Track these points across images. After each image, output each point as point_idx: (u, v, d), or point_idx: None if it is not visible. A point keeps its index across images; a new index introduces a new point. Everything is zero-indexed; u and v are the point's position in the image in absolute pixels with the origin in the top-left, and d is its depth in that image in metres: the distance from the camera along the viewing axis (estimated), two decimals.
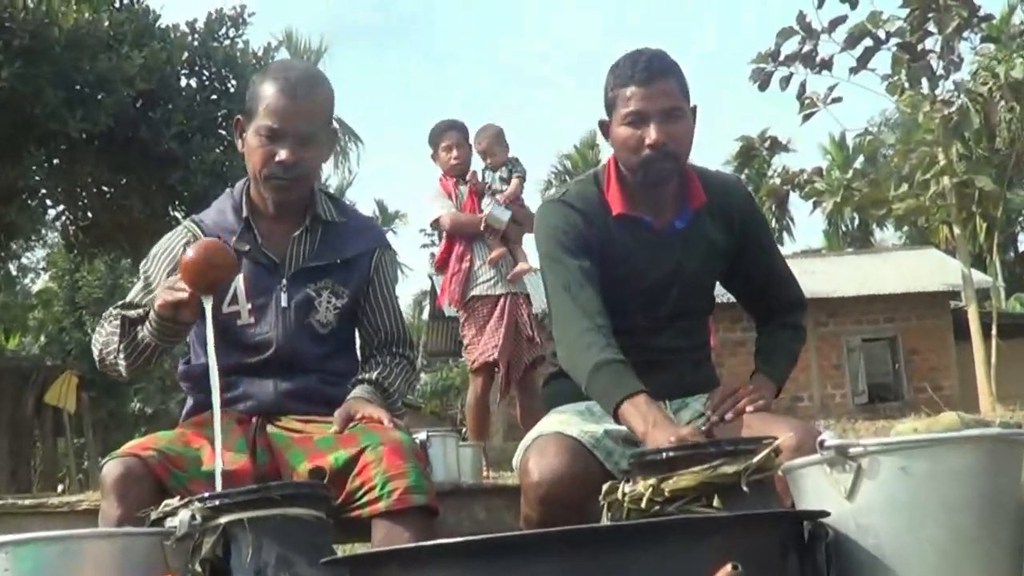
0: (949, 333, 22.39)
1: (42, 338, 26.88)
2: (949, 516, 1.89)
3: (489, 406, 6.56)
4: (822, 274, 22.73)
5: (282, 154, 2.79)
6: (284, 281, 2.91)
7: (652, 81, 2.72)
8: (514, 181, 6.44)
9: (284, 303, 2.89)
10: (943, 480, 1.90)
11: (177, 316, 2.64)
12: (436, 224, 6.57)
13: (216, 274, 2.59)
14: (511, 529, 3.24)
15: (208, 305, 2.62)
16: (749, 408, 2.71)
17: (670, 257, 2.86)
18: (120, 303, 2.98)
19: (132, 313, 2.85)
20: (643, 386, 2.56)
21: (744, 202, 2.99)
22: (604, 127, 2.85)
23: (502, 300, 6.27)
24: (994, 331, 15.82)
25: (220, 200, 3.03)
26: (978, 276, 19.91)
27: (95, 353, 2.96)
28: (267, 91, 2.81)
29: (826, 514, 1.92)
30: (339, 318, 2.95)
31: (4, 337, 27.06)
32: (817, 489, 2.00)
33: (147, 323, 2.74)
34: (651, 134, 2.71)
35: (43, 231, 14.42)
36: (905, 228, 30.23)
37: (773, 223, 35.99)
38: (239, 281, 2.87)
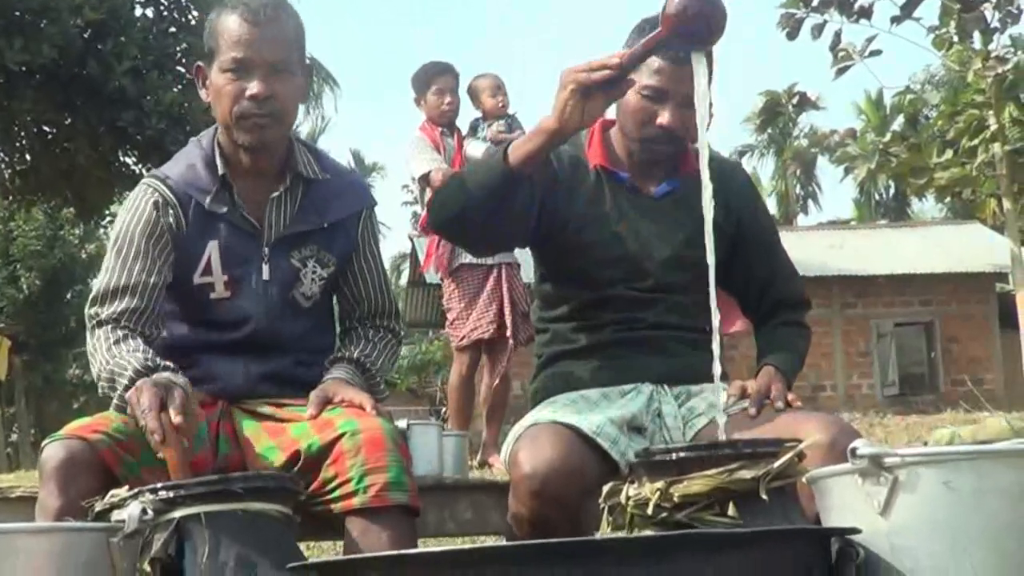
0: (993, 320, 22.46)
1: None
2: (997, 540, 1.86)
3: (474, 387, 6.57)
4: (851, 249, 22.76)
5: (253, 87, 2.75)
6: (266, 250, 2.87)
7: (685, 62, 2.69)
8: (516, 135, 6.44)
9: (266, 275, 2.87)
10: (990, 499, 1.87)
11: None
12: (424, 180, 6.50)
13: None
14: (499, 530, 3.26)
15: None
16: (779, 404, 2.72)
17: (652, 221, 2.91)
18: (106, 287, 2.83)
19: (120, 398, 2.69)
20: None
21: (745, 187, 3.06)
22: None
23: (495, 271, 6.26)
24: None
25: (185, 152, 2.95)
26: None
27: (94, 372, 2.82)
28: (227, 23, 2.78)
29: (857, 531, 1.91)
30: (323, 289, 2.94)
31: None
32: (847, 502, 1.99)
33: (119, 394, 2.66)
34: (666, 116, 2.78)
35: None
36: (947, 200, 30.22)
37: (797, 189, 36.07)
38: (213, 248, 2.83)
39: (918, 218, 34.41)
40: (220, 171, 2.85)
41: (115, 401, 2.69)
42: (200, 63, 2.88)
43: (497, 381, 6.46)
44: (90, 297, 2.87)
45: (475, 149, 6.39)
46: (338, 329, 3.11)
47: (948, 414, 10.29)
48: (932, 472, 1.90)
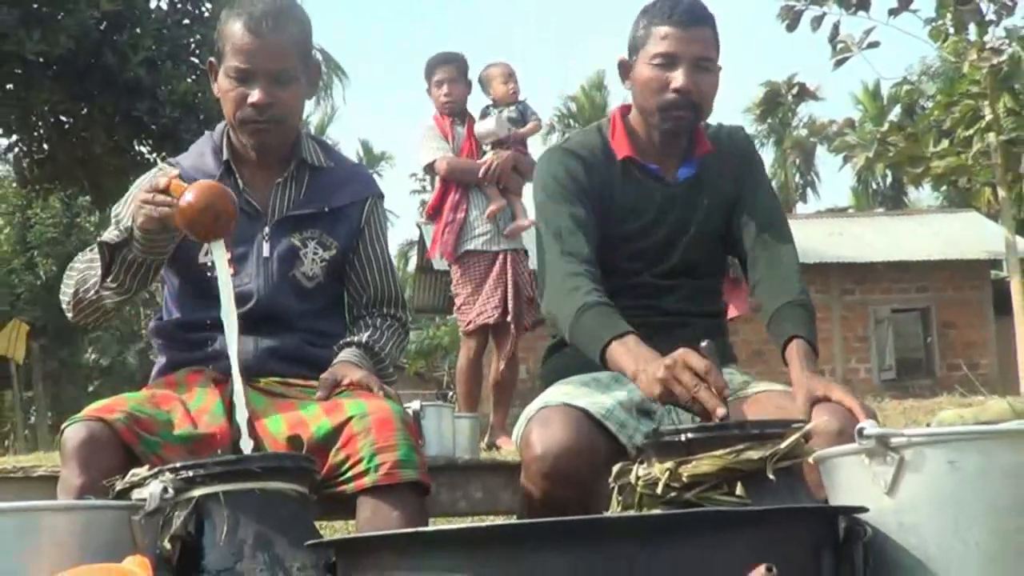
0: (988, 306, 22.46)
1: None
2: (999, 518, 1.86)
3: (482, 371, 6.57)
4: (849, 236, 22.77)
5: (254, 95, 2.80)
6: (267, 229, 2.91)
7: (691, 25, 2.79)
8: (532, 122, 6.43)
9: (266, 253, 2.90)
10: (994, 478, 1.87)
11: (165, 228, 2.56)
12: (430, 168, 6.52)
13: (217, 226, 2.49)
14: (509, 509, 3.26)
15: (220, 253, 2.55)
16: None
17: (677, 207, 2.91)
18: (88, 249, 2.92)
19: (111, 236, 2.76)
20: (631, 328, 2.56)
21: (744, 143, 3.04)
22: (625, 67, 2.91)
23: (501, 257, 6.25)
24: None
25: (199, 143, 3.03)
26: (1023, 244, 19.89)
27: (67, 300, 2.87)
28: (232, 29, 2.81)
29: (864, 510, 1.91)
30: (326, 272, 2.95)
31: None
32: (854, 482, 1.99)
33: (133, 243, 2.66)
34: (679, 78, 2.77)
35: None
36: (943, 189, 30.22)
37: (797, 178, 36.04)
38: None
39: (915, 206, 34.35)
40: (224, 157, 2.91)
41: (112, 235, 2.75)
42: (212, 59, 2.91)
43: (503, 365, 6.45)
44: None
45: (483, 125, 6.41)
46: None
47: (944, 398, 10.28)
48: (937, 452, 1.90)
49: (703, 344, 2.37)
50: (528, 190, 5.65)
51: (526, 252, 6.33)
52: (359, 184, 3.05)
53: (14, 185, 17.85)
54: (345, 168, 3.07)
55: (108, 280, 2.75)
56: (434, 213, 6.52)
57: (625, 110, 2.97)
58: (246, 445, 2.46)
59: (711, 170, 2.93)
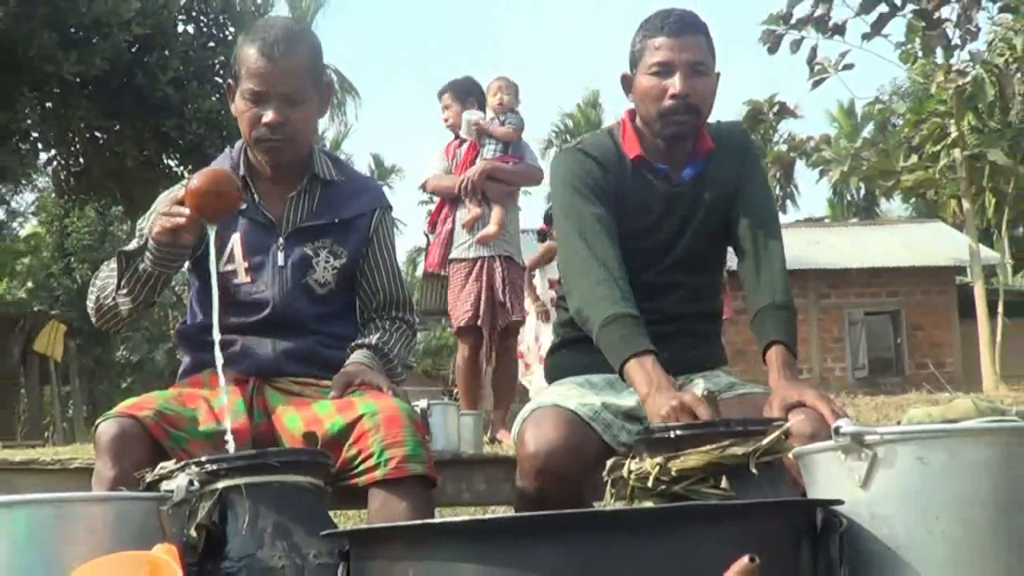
0: (954, 309, 22.45)
1: (29, 284, 26.85)
2: (963, 509, 1.87)
3: (479, 369, 6.56)
4: (826, 244, 22.76)
5: (267, 116, 2.79)
6: (281, 240, 2.91)
7: (682, 33, 2.77)
8: (502, 128, 6.41)
9: (281, 262, 2.89)
10: (959, 473, 1.88)
11: (177, 240, 2.63)
12: (423, 187, 6.68)
13: (221, 203, 2.57)
14: (510, 500, 3.26)
15: (212, 233, 2.62)
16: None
17: (682, 204, 2.87)
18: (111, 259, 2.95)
19: (129, 246, 2.82)
20: (653, 346, 2.54)
21: (742, 138, 3.01)
22: (627, 80, 2.89)
23: (478, 263, 6.29)
24: (1000, 309, 15.86)
25: (219, 159, 3.02)
26: (986, 252, 19.92)
27: (91, 306, 2.92)
28: (247, 53, 2.81)
29: (840, 502, 1.91)
30: (337, 279, 2.94)
31: None
32: (830, 477, 1.99)
33: (146, 253, 2.72)
34: (676, 84, 2.75)
35: (33, 176, 14.33)
36: (913, 200, 30.14)
37: (777, 191, 36.00)
38: (235, 240, 2.88)
39: (886, 217, 34.29)
40: (241, 173, 2.90)
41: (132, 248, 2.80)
42: (230, 80, 2.91)
43: (494, 364, 6.47)
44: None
45: (468, 115, 6.44)
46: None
47: (913, 395, 10.26)
48: (907, 449, 1.90)
49: (706, 393, 2.37)
50: (539, 190, 5.62)
51: (508, 257, 6.33)
52: (368, 196, 3.04)
53: (53, 196, 17.84)
54: (355, 181, 3.06)
55: (121, 287, 2.78)
56: (432, 226, 6.59)
57: (633, 114, 2.93)
58: (231, 447, 2.48)
59: (713, 166, 2.89)
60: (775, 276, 2.78)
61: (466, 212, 6.30)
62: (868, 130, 29.52)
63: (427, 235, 6.71)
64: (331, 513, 2.44)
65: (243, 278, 2.88)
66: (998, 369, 15.00)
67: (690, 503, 2.01)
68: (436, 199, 6.69)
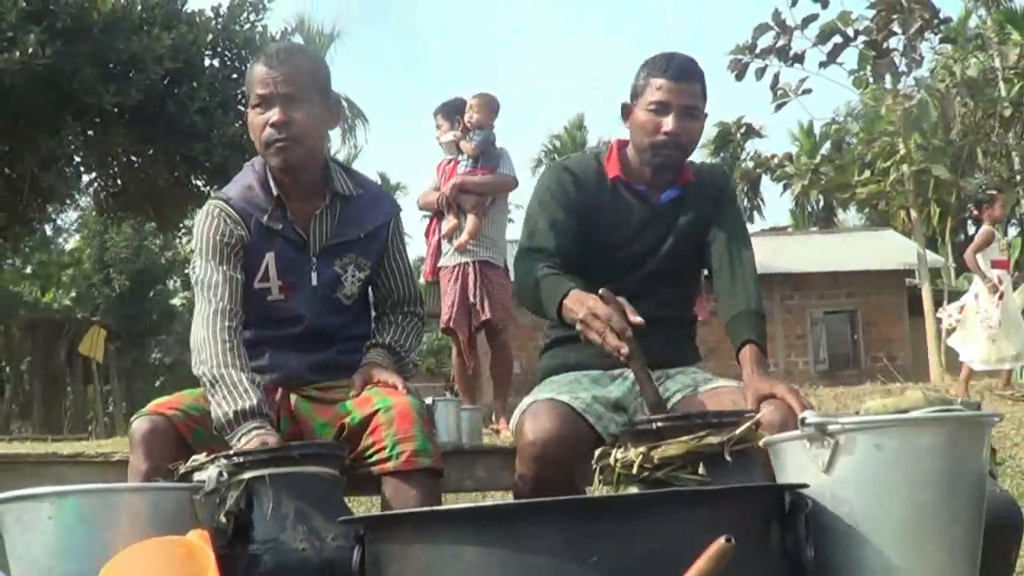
0: (904, 309, 22.46)
1: (73, 293, 26.85)
2: (912, 490, 1.90)
3: (466, 366, 6.53)
4: (789, 251, 22.75)
5: (273, 115, 2.69)
6: (313, 259, 2.81)
7: (681, 79, 2.80)
8: (468, 145, 6.40)
9: (315, 282, 2.81)
10: (910, 457, 1.90)
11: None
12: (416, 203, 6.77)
13: None
14: (508, 486, 3.25)
15: None
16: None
17: (657, 223, 2.88)
18: (196, 280, 2.77)
19: (223, 414, 2.53)
20: (574, 284, 2.56)
21: (722, 178, 3.02)
22: (626, 110, 2.90)
23: (456, 270, 6.32)
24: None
25: (242, 175, 2.88)
26: (931, 257, 19.96)
27: (196, 359, 2.70)
28: (254, 69, 2.73)
29: (805, 486, 1.91)
30: (361, 288, 2.90)
31: (40, 292, 27.05)
32: (797, 463, 2.00)
33: (221, 416, 2.51)
34: (669, 124, 2.78)
35: (76, 196, 14.28)
36: (866, 211, 30.17)
37: (745, 203, 36.03)
38: (270, 259, 2.78)
39: (843, 226, 34.23)
40: (274, 192, 2.79)
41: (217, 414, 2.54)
42: (246, 108, 2.85)
43: (471, 361, 6.45)
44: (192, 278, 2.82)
45: (444, 138, 6.53)
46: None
47: (868, 385, 10.30)
48: (865, 437, 1.92)
49: (601, 291, 2.43)
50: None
51: (485, 262, 6.34)
52: (383, 206, 2.96)
53: (93, 214, 17.82)
54: (369, 192, 2.95)
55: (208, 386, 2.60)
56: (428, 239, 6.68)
57: (623, 143, 2.94)
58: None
59: (691, 196, 2.90)
60: (748, 285, 2.79)
61: (446, 224, 6.34)
62: (826, 148, 29.59)
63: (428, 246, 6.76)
64: (347, 498, 2.44)
65: (277, 295, 2.79)
66: (943, 361, 15.03)
67: (671, 489, 2.02)
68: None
